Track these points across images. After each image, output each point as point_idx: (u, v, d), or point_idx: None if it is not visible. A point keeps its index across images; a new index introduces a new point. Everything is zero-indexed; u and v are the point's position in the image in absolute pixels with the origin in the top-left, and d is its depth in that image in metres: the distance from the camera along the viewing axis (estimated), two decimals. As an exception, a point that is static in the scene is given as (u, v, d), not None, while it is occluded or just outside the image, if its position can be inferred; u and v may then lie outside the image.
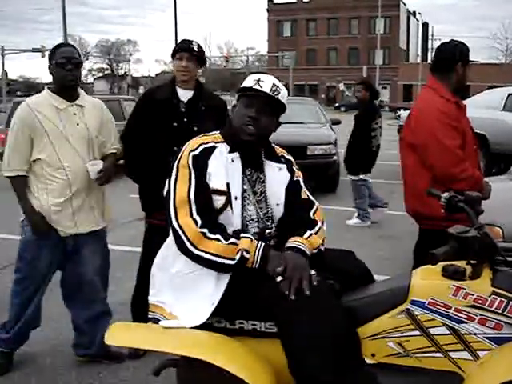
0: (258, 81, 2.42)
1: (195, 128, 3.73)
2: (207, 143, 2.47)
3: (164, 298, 2.43)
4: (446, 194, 2.51)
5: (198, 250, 2.30)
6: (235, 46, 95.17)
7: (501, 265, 2.18)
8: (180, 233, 2.33)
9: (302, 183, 2.64)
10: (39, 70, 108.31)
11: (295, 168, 2.67)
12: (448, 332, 2.14)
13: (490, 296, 2.10)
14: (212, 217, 2.37)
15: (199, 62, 3.82)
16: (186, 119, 3.77)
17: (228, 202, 2.40)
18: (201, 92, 3.88)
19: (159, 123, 3.76)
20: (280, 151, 2.67)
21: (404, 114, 15.63)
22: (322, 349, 2.08)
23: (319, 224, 2.54)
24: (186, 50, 3.74)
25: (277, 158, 2.61)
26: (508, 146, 10.86)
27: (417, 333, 2.18)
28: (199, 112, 3.81)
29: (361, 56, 71.73)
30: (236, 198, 2.41)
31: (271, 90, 2.41)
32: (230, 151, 2.46)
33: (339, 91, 61.75)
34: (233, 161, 2.45)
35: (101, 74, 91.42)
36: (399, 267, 5.11)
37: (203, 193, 2.37)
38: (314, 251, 2.41)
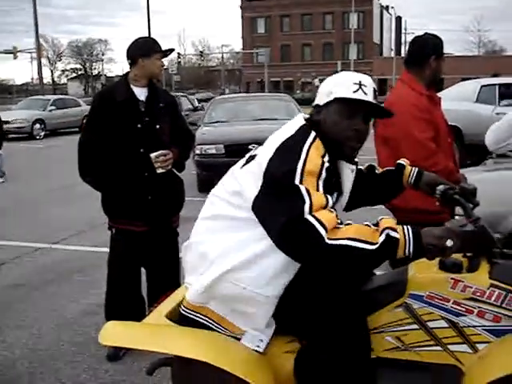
0: (360, 85, 2.16)
1: (157, 126, 3.75)
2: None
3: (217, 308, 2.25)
4: (441, 187, 2.46)
5: (336, 239, 1.94)
6: (210, 44, 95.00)
7: (498, 257, 2.15)
8: (316, 224, 1.94)
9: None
10: (12, 71, 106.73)
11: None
12: (447, 325, 2.12)
13: (488, 288, 2.08)
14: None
15: None
16: (147, 118, 3.73)
17: None
18: (156, 89, 3.87)
19: (122, 125, 3.69)
20: None
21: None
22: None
23: None
24: (161, 51, 3.81)
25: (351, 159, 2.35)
26: (482, 138, 10.92)
27: (415, 326, 2.16)
28: (158, 110, 3.80)
29: (335, 51, 72.03)
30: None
31: (374, 97, 2.20)
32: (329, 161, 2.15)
33: (314, 87, 61.88)
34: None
35: (74, 75, 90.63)
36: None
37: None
38: None
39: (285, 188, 2.01)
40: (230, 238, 2.17)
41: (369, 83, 2.19)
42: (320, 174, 2.03)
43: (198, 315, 2.25)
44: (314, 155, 2.05)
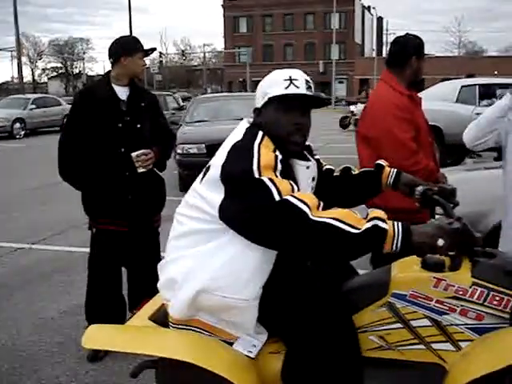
0: (291, 80, 2.23)
1: (138, 125, 3.73)
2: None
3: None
4: (420, 188, 2.47)
5: (319, 217, 1.92)
6: (192, 43, 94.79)
7: (479, 256, 2.16)
8: (297, 203, 1.93)
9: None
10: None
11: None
12: (430, 324, 2.13)
13: (470, 287, 2.09)
14: None
15: None
16: (128, 118, 3.71)
17: None
18: (137, 88, 3.86)
19: (103, 125, 3.66)
20: None
21: (360, 107, 15.80)
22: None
23: None
24: (143, 50, 3.78)
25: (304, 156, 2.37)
26: (462, 138, 11.03)
27: (399, 325, 2.16)
28: (139, 109, 3.78)
29: (317, 51, 72.12)
30: None
31: (307, 88, 2.24)
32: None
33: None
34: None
35: (55, 74, 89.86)
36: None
37: None
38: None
39: (247, 185, 2.01)
40: (200, 251, 2.16)
41: (299, 76, 2.25)
42: (276, 166, 2.05)
43: (190, 327, 2.24)
44: (265, 151, 2.09)
